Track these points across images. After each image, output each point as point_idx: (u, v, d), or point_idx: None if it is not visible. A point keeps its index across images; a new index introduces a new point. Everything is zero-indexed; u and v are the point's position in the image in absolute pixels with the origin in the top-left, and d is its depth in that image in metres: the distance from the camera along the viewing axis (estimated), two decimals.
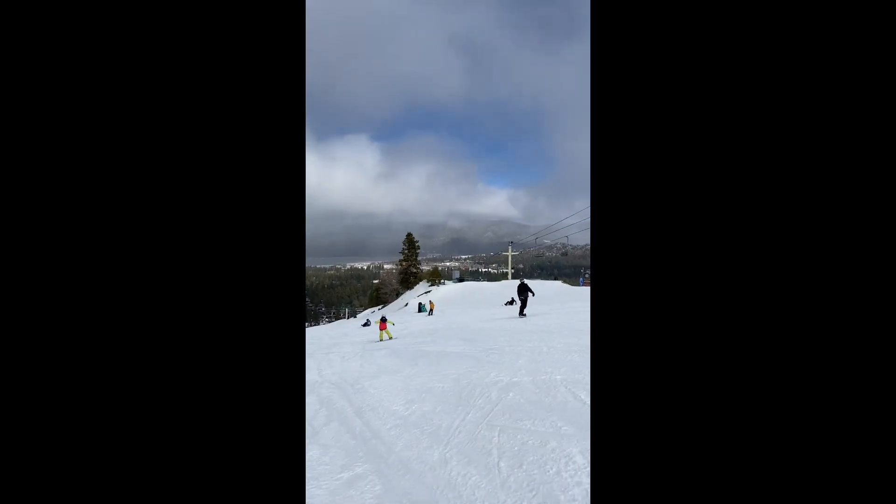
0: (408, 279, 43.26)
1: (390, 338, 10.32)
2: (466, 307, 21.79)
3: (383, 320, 10.86)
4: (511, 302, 18.43)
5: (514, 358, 5.44)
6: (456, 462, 2.59)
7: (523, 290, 11.97)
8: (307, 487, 2.46)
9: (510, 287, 24.50)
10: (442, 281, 39.12)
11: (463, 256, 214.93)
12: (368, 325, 16.82)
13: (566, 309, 12.55)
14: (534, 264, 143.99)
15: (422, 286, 38.03)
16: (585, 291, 21.87)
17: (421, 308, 23.70)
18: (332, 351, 9.04)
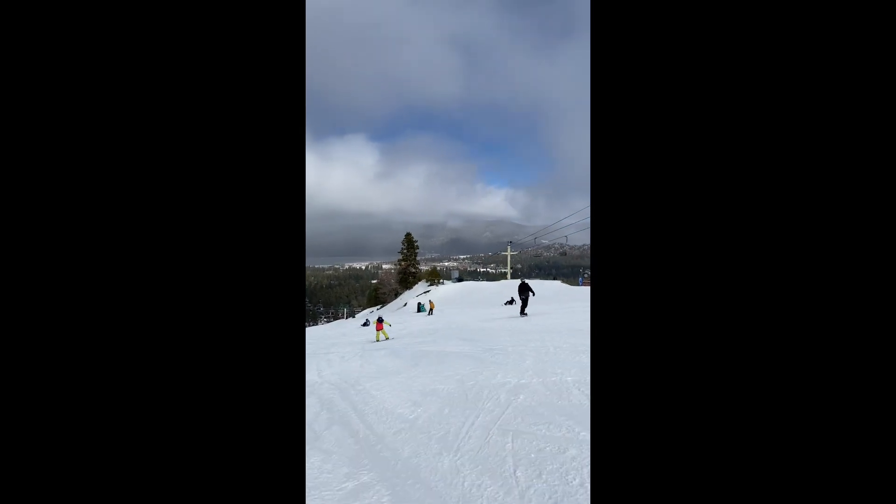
0: (407, 279, 43.09)
1: (387, 338, 10.20)
2: (465, 307, 21.62)
3: (380, 321, 10.80)
4: (511, 301, 18.36)
5: (519, 358, 5.27)
6: (469, 471, 2.41)
7: (524, 290, 12.01)
8: (309, 500, 2.28)
9: (509, 287, 24.38)
10: (441, 281, 39.01)
11: (461, 256, 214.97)
12: (368, 325, 16.74)
13: (567, 308, 12.47)
14: (532, 264, 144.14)
15: (421, 286, 37.93)
16: (585, 291, 21.75)
17: (420, 308, 23.54)
18: (331, 351, 8.87)
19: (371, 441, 3.12)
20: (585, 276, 37.98)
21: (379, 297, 45.58)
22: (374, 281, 69.72)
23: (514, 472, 2.31)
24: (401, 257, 44.97)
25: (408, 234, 45.98)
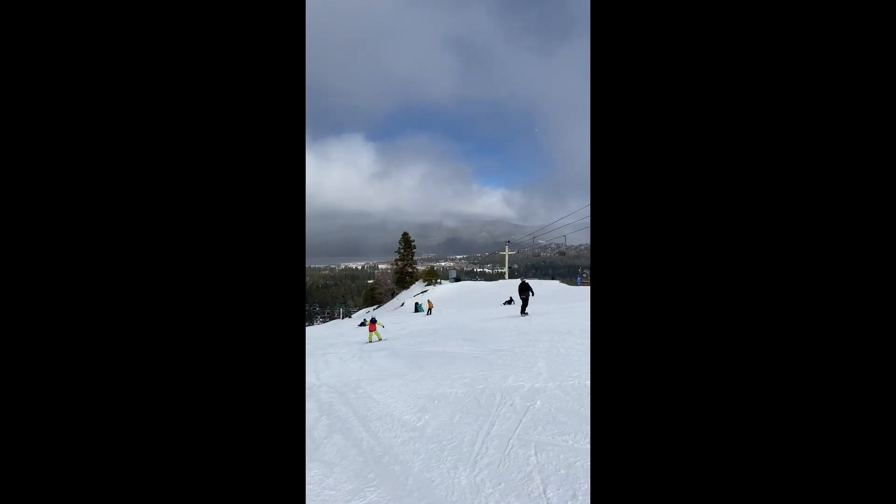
0: (404, 279, 42.78)
1: (380, 339, 9.94)
2: (464, 307, 21.37)
3: (373, 321, 10.57)
4: (509, 301, 18.16)
5: (528, 360, 5.02)
6: (491, 489, 2.14)
7: (524, 290, 11.87)
8: None
9: (507, 287, 24.16)
10: (438, 280, 38.75)
11: (458, 256, 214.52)
12: (365, 325, 16.51)
13: (567, 308, 12.29)
14: (529, 264, 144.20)
15: (418, 286, 37.66)
16: (584, 291, 21.56)
17: (417, 308, 23.26)
18: (328, 351, 8.58)
19: (377, 452, 2.85)
20: (584, 275, 37.79)
21: (375, 297, 45.23)
22: (371, 281, 69.38)
23: (544, 491, 2.04)
24: (398, 257, 44.65)
25: (405, 234, 45.64)
